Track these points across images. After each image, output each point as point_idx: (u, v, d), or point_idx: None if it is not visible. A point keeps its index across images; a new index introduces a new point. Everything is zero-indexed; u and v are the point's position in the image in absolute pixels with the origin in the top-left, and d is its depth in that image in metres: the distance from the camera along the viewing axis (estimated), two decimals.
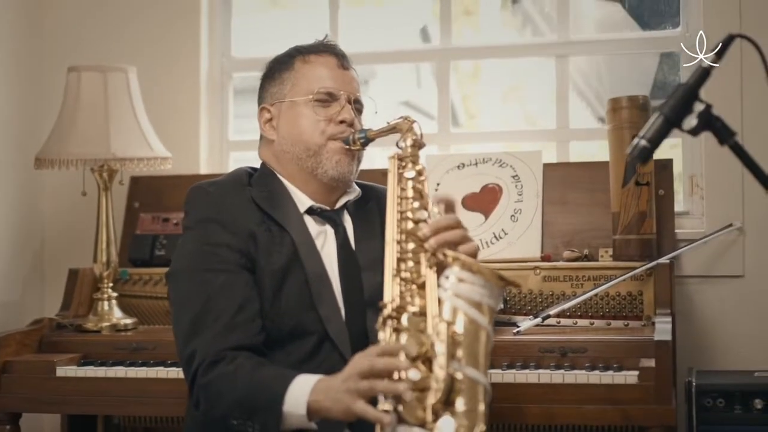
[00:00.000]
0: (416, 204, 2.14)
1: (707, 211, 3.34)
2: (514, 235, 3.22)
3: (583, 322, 2.99)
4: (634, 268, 2.96)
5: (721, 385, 2.85)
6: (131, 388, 2.89)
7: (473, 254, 2.11)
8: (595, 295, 2.97)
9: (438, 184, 3.35)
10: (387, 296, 2.02)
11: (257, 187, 2.36)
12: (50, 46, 3.80)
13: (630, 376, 2.55)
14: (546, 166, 3.30)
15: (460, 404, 1.86)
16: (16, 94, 3.67)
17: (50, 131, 3.31)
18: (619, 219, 3.10)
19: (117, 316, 3.21)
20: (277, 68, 2.44)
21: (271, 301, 2.24)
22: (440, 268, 2.01)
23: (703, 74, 1.84)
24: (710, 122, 1.82)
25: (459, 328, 1.89)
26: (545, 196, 3.25)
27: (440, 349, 1.87)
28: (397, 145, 2.25)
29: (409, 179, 2.18)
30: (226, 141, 3.83)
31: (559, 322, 2.97)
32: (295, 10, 4.60)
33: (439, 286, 1.97)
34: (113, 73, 3.25)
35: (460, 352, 1.87)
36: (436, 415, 1.85)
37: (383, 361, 1.88)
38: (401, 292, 2.02)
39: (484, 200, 3.31)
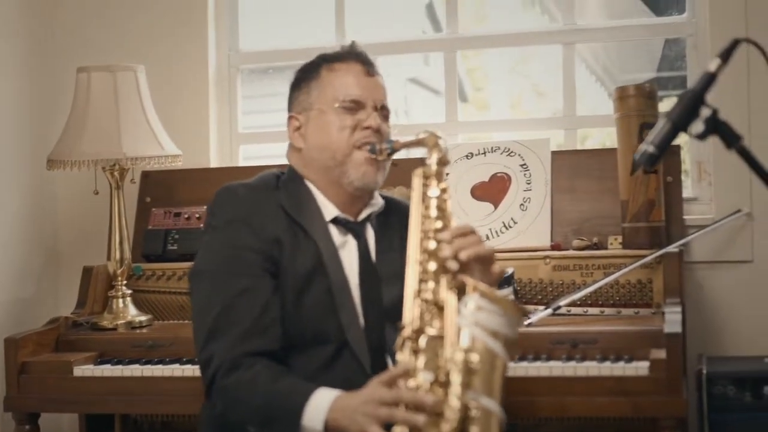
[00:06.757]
0: (439, 224, 2.15)
1: (715, 197, 3.34)
2: (523, 225, 3.24)
3: (593, 311, 3.02)
4: (644, 256, 2.98)
5: (731, 373, 2.87)
6: (148, 387, 2.91)
7: (490, 257, 2.13)
8: (605, 283, 2.99)
9: (447, 174, 3.34)
10: (407, 318, 2.04)
11: (285, 191, 2.37)
12: (60, 47, 3.81)
13: (641, 368, 2.58)
14: (554, 154, 3.32)
15: None
16: (28, 96, 3.69)
17: (61, 132, 3.31)
18: (627, 207, 3.12)
19: (132, 313, 3.24)
20: (304, 77, 2.44)
21: (293, 305, 2.27)
22: (460, 291, 2.04)
23: (709, 79, 1.85)
24: (717, 127, 1.83)
25: (476, 356, 1.91)
26: (554, 184, 3.27)
27: (456, 378, 1.90)
28: (423, 161, 2.25)
29: (432, 198, 2.18)
30: (236, 134, 3.84)
31: (569, 311, 3.00)
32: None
33: (458, 311, 1.99)
34: (122, 72, 3.25)
35: (475, 381, 1.89)
36: None
37: (404, 394, 1.92)
38: (421, 313, 2.04)
39: (493, 189, 3.33)
